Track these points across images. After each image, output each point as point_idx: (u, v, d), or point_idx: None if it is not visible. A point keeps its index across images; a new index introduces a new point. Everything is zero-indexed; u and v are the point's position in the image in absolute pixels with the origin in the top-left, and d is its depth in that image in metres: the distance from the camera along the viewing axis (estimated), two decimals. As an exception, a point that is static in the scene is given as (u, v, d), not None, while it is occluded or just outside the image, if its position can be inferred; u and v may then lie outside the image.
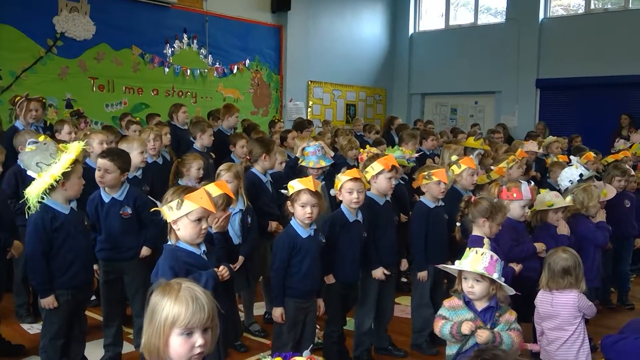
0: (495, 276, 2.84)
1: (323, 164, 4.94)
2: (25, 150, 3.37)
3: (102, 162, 3.82)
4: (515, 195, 4.02)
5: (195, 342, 1.73)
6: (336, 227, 3.81)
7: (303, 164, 4.96)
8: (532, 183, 4.36)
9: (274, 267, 3.54)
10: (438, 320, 2.96)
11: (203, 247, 2.86)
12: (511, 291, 2.92)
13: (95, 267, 3.79)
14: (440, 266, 3.19)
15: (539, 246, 4.04)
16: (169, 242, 2.82)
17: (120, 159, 3.88)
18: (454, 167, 4.64)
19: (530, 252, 4.02)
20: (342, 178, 3.79)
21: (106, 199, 3.89)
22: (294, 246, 3.48)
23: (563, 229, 4.28)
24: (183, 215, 2.71)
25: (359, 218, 3.88)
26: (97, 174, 3.82)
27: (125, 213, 3.88)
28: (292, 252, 3.48)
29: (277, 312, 3.51)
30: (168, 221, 2.77)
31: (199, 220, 2.74)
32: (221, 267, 2.91)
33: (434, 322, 2.98)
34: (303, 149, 5.11)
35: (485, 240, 3.13)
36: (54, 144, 3.31)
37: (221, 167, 4.23)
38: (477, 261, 2.84)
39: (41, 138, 3.42)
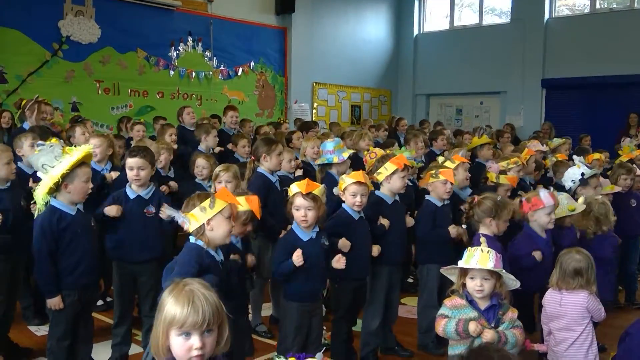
0: (503, 271, 2.84)
1: (346, 155, 4.95)
2: (34, 152, 3.39)
3: (135, 161, 3.81)
4: (536, 204, 3.97)
5: (192, 345, 1.72)
6: (342, 226, 3.79)
7: (324, 161, 4.93)
8: (552, 188, 4.34)
9: (273, 270, 3.58)
10: (440, 319, 2.93)
11: (221, 256, 2.90)
12: (516, 283, 2.91)
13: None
14: (445, 269, 3.07)
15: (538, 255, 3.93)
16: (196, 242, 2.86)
17: (149, 154, 3.93)
18: (448, 163, 4.64)
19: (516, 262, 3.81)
20: (347, 180, 3.77)
21: (132, 196, 3.87)
22: (292, 250, 3.46)
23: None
24: (217, 213, 2.78)
25: (362, 215, 3.88)
26: (132, 173, 3.82)
27: (149, 212, 3.85)
28: (290, 255, 3.46)
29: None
30: (198, 224, 2.80)
31: (229, 217, 2.84)
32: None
33: (436, 322, 2.94)
34: (321, 147, 5.11)
35: (482, 240, 3.10)
36: (60, 147, 3.31)
37: (219, 168, 4.21)
38: (485, 259, 2.82)
39: (54, 141, 3.41)
